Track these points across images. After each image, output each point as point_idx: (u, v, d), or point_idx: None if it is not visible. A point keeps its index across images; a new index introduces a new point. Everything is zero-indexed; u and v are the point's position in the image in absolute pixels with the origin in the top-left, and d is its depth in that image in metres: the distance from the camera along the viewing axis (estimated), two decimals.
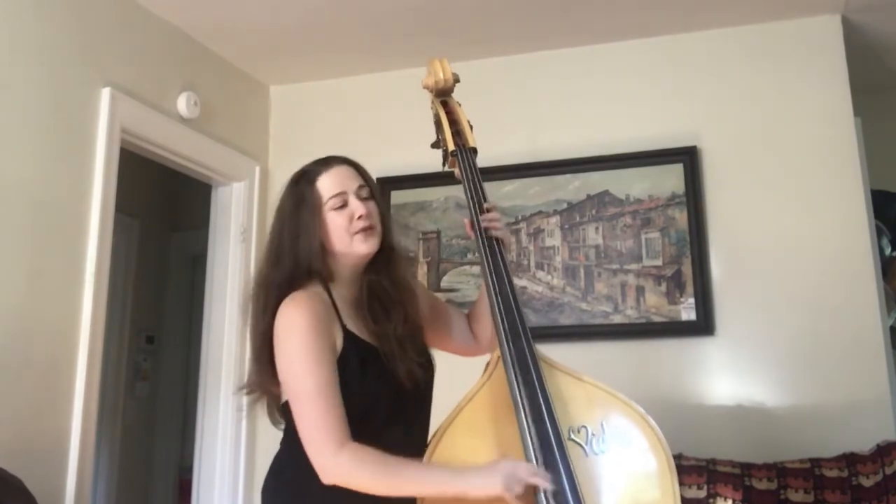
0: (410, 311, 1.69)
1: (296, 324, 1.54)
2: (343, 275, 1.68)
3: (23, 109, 2.47)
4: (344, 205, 1.65)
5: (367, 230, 1.64)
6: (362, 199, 1.67)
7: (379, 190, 1.78)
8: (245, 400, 1.74)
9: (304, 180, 1.68)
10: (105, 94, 2.74)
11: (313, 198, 1.65)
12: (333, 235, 1.64)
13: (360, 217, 1.64)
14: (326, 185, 1.66)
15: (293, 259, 1.64)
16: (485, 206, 1.74)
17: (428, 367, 1.69)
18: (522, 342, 1.57)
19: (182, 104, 3.10)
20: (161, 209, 4.55)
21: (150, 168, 3.41)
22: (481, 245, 1.71)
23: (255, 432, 3.33)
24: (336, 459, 1.46)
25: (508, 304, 1.62)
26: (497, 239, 1.71)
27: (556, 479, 1.43)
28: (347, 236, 1.64)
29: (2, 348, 2.33)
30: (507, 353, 1.56)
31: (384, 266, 1.70)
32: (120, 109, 2.79)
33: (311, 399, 1.50)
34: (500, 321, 1.60)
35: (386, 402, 1.58)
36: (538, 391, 1.51)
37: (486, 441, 1.53)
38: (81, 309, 2.58)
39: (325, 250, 1.65)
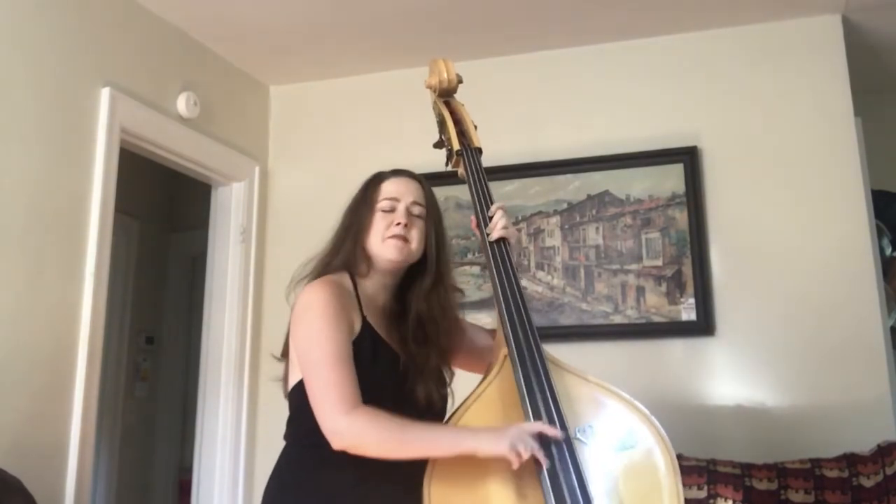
0: (448, 346, 1.74)
1: (316, 298, 1.61)
2: (376, 276, 1.73)
3: (22, 109, 2.46)
4: (392, 210, 1.73)
5: (399, 238, 1.69)
6: (411, 214, 1.73)
7: (441, 220, 1.81)
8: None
9: (374, 180, 1.79)
10: (105, 93, 2.74)
11: (373, 195, 1.75)
12: (372, 234, 1.72)
13: (398, 224, 1.70)
14: (388, 188, 1.76)
15: (339, 246, 1.74)
16: (492, 208, 1.76)
17: (444, 400, 1.72)
18: (531, 342, 1.58)
19: (182, 104, 3.10)
20: (161, 209, 4.55)
21: (149, 168, 3.41)
22: (487, 248, 1.72)
23: (255, 432, 3.33)
24: (349, 419, 1.49)
25: (516, 304, 1.63)
26: (504, 239, 1.73)
27: (565, 478, 1.44)
28: (381, 238, 1.70)
29: (1, 348, 2.33)
30: (515, 353, 1.57)
31: (432, 292, 1.75)
32: (120, 109, 2.79)
33: (328, 363, 1.54)
34: (507, 321, 1.61)
35: (388, 403, 1.57)
36: (546, 390, 1.53)
37: None
38: (81, 309, 2.58)
39: (364, 247, 1.72)
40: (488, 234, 1.73)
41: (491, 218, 1.74)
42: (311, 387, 1.56)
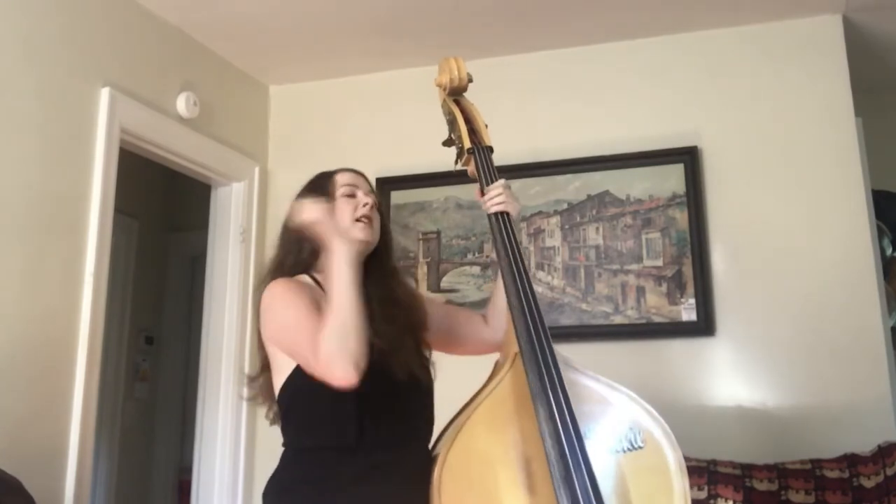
0: (416, 318, 1.75)
1: (279, 288, 1.65)
2: None
3: (22, 110, 2.46)
4: (353, 195, 1.75)
5: (367, 220, 1.73)
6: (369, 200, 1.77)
7: (385, 207, 1.86)
8: (246, 391, 1.82)
9: (322, 177, 1.83)
10: (104, 94, 2.73)
11: (328, 186, 1.77)
12: (338, 219, 1.71)
13: (364, 205, 1.73)
14: (343, 178, 1.79)
15: (297, 247, 1.74)
16: (494, 183, 1.77)
17: (427, 369, 1.73)
18: (542, 338, 1.58)
19: (181, 104, 3.10)
20: (161, 209, 4.54)
21: (149, 168, 3.41)
22: (498, 243, 1.70)
23: (255, 433, 3.33)
24: (323, 358, 1.48)
25: (529, 303, 1.62)
26: (504, 213, 1.71)
27: (578, 477, 1.44)
28: (349, 221, 1.71)
29: (1, 349, 2.32)
30: (528, 350, 1.56)
31: (391, 276, 1.79)
32: (119, 109, 2.78)
33: (301, 321, 1.55)
34: (519, 317, 1.60)
35: (370, 387, 1.55)
36: (558, 389, 1.52)
37: (506, 435, 1.55)
38: (81, 309, 2.58)
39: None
40: (496, 225, 1.72)
41: (488, 196, 1.75)
42: (299, 347, 1.56)
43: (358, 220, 1.72)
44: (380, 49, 3.35)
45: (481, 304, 2.90)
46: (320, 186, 1.78)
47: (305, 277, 1.71)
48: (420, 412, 1.69)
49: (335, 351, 1.46)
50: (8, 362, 2.34)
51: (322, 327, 1.50)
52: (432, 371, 1.75)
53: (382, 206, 1.85)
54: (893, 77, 3.63)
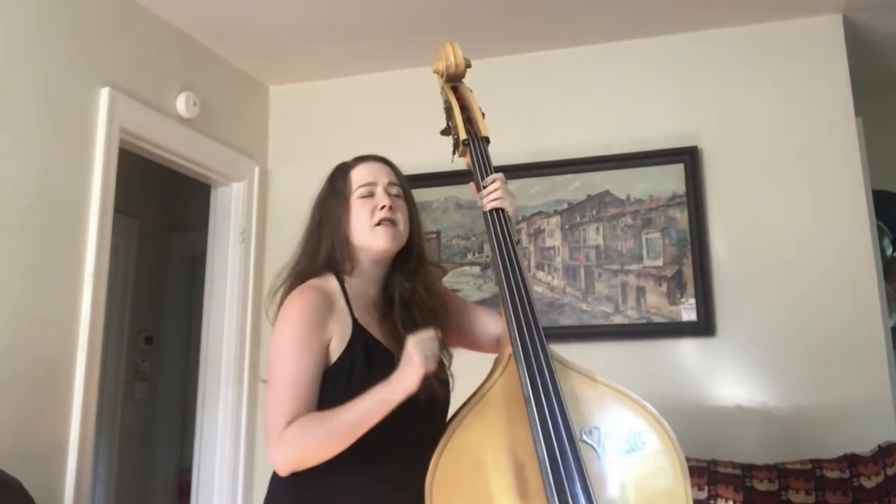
0: (438, 325, 1.65)
1: (291, 315, 1.56)
2: (364, 270, 1.67)
3: (22, 110, 2.46)
4: (370, 195, 1.66)
5: (388, 223, 1.64)
6: (390, 195, 1.68)
7: (413, 198, 1.76)
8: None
9: (339, 172, 1.73)
10: (104, 94, 2.73)
11: (344, 187, 1.68)
12: (355, 225, 1.65)
13: (382, 207, 1.64)
14: (359, 175, 1.69)
15: (314, 248, 1.67)
16: (489, 177, 1.69)
17: (446, 385, 1.66)
18: (536, 341, 1.54)
19: (181, 104, 3.10)
20: (160, 209, 4.54)
21: (149, 168, 3.41)
22: (493, 241, 1.65)
23: (255, 432, 3.33)
24: (280, 439, 1.46)
25: (523, 304, 1.57)
26: (500, 210, 1.66)
27: (569, 481, 1.42)
28: (368, 227, 1.64)
29: (1, 348, 2.32)
30: (521, 352, 1.53)
31: (416, 273, 1.70)
32: (119, 109, 2.78)
33: (284, 387, 1.51)
34: (513, 320, 1.56)
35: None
36: (551, 391, 1.48)
37: (499, 439, 1.51)
38: (80, 309, 2.58)
39: (348, 241, 1.66)
40: (491, 230, 1.66)
41: (486, 187, 1.68)
42: (266, 406, 1.53)
43: (378, 223, 1.63)
44: (379, 49, 3.35)
45: (481, 305, 2.90)
46: (334, 188, 1.70)
47: (332, 280, 1.63)
48: (430, 428, 1.57)
49: (297, 446, 1.45)
50: (8, 362, 2.34)
51: (312, 416, 1.46)
52: (451, 382, 1.68)
53: (409, 191, 1.74)
54: (893, 77, 3.63)
